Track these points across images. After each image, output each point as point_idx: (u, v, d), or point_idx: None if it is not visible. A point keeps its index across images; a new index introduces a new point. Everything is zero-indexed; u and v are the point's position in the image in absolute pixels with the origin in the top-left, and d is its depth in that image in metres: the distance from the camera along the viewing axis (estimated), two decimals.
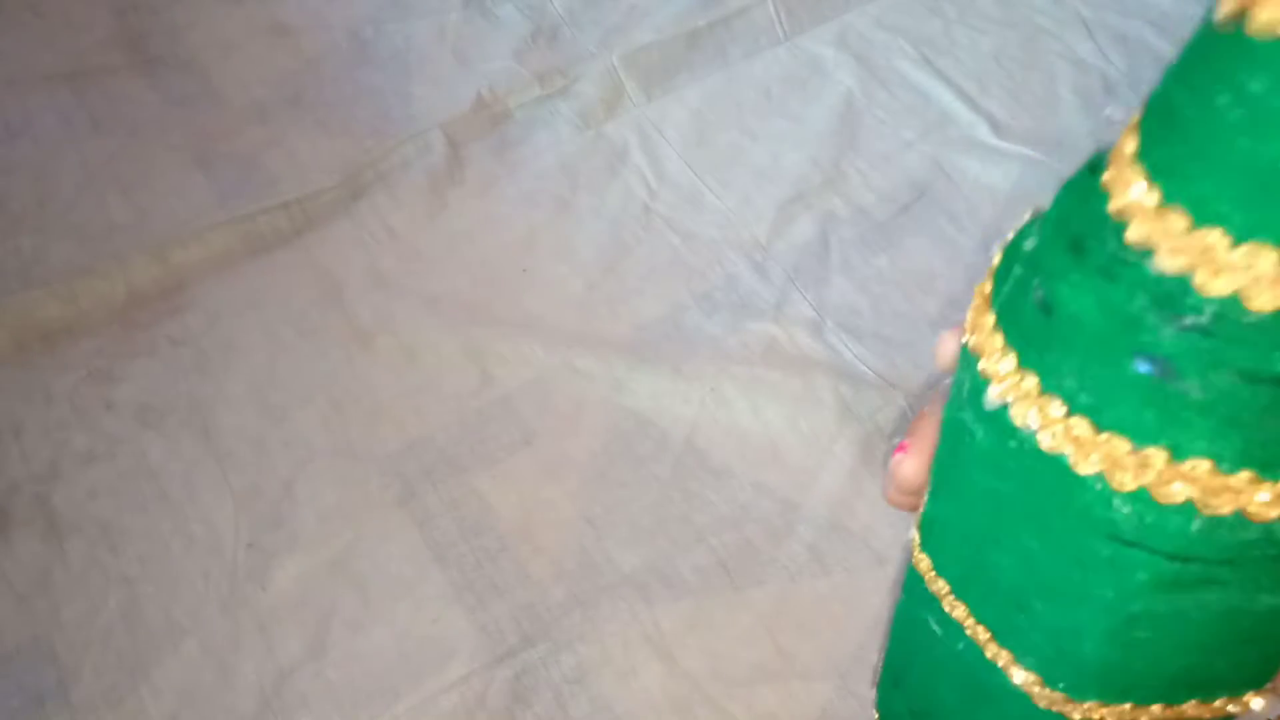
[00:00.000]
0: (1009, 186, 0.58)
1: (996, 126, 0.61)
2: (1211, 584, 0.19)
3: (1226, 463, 0.17)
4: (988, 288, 0.21)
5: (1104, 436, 0.18)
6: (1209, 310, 0.16)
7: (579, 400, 0.50)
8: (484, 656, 0.42)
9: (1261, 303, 0.15)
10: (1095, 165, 0.18)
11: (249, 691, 0.42)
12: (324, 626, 0.43)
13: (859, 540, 0.45)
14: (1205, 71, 0.15)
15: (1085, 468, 0.18)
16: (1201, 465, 0.17)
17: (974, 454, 0.21)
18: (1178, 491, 0.17)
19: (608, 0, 0.69)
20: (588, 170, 0.60)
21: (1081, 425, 0.18)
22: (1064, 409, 0.18)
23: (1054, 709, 0.22)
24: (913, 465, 0.24)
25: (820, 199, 0.58)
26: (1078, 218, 0.18)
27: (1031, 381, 0.19)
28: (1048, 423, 0.18)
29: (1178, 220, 0.16)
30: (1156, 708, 0.21)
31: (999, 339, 0.19)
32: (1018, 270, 0.19)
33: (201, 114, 0.63)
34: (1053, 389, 0.18)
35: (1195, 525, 0.18)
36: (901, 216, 0.58)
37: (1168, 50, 0.63)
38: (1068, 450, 0.18)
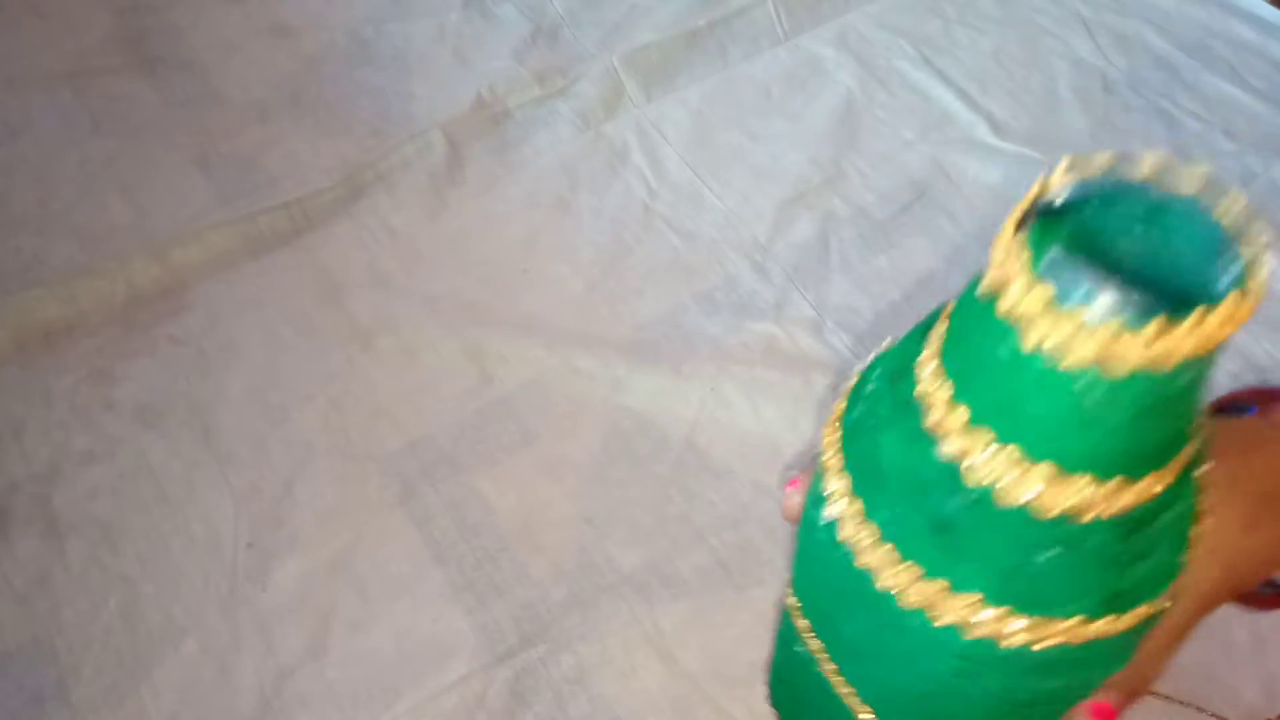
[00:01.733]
0: (1009, 186, 0.58)
1: (996, 126, 0.61)
2: (982, 677, 0.23)
3: (991, 597, 0.21)
4: (841, 407, 0.25)
5: (905, 565, 0.22)
6: (974, 495, 0.20)
7: (579, 400, 0.50)
8: (484, 656, 0.42)
9: (1011, 500, 0.20)
10: (925, 329, 0.22)
11: (249, 691, 0.42)
12: (324, 626, 0.43)
13: None
14: (977, 316, 0.19)
15: (884, 583, 0.23)
16: (972, 598, 0.22)
17: (816, 546, 0.25)
18: (947, 617, 0.22)
19: (608, 0, 0.69)
20: (588, 170, 0.60)
21: (889, 551, 0.22)
22: (877, 534, 0.23)
23: None
24: (799, 501, 0.28)
25: (820, 199, 0.58)
26: (903, 383, 0.22)
27: (858, 507, 0.23)
28: (863, 547, 0.23)
29: (961, 415, 0.20)
30: None
31: (840, 461, 0.24)
32: (860, 407, 0.24)
33: (201, 114, 0.63)
34: (872, 516, 0.23)
35: (964, 639, 0.22)
36: (901, 216, 0.58)
37: (1168, 50, 0.63)
38: (874, 568, 0.23)
